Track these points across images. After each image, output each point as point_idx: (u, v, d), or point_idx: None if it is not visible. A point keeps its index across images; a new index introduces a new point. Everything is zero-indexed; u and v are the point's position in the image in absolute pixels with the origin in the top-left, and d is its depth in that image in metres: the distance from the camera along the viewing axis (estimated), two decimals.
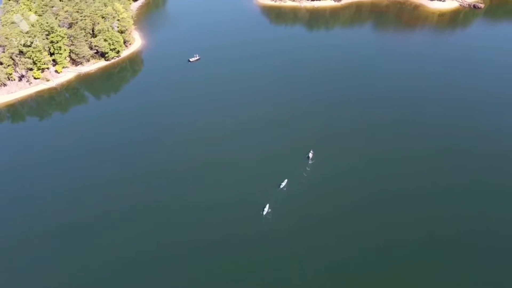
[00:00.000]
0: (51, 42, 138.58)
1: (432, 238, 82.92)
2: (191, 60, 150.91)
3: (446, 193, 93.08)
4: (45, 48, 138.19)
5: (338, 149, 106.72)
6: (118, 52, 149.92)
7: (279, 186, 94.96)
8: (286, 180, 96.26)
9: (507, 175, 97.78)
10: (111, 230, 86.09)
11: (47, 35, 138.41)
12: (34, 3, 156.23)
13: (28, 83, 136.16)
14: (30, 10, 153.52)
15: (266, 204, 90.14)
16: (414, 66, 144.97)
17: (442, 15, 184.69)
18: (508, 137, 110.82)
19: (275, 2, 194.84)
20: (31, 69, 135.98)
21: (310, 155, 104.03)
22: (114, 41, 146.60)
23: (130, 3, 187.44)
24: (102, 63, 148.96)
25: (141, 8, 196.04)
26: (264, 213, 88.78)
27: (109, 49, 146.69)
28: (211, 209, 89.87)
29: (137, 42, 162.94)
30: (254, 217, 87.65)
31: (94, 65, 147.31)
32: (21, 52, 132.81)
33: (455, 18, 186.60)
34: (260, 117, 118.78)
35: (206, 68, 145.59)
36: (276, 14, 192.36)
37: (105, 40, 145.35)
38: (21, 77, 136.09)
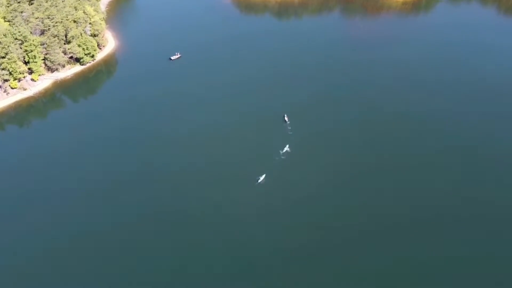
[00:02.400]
0: (25, 51, 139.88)
1: (414, 212, 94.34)
2: (172, 58, 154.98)
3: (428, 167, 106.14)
4: (20, 58, 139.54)
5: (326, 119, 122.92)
6: (92, 56, 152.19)
7: (282, 150, 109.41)
8: (287, 145, 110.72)
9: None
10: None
11: (21, 44, 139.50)
12: (1, 7, 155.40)
13: (5, 93, 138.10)
14: None
15: (263, 174, 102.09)
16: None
17: (406, 3, 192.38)
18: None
19: None
20: (7, 80, 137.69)
21: (286, 118, 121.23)
22: (88, 46, 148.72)
23: (99, 1, 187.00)
24: (77, 68, 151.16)
25: (111, 3, 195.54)
26: (259, 180, 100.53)
27: (83, 54, 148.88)
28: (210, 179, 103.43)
29: (110, 43, 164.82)
30: (249, 186, 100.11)
31: (70, 71, 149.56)
32: None
33: (418, 4, 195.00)
34: (248, 101, 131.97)
35: (188, 65, 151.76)
36: (246, 6, 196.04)
37: (79, 45, 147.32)
38: None
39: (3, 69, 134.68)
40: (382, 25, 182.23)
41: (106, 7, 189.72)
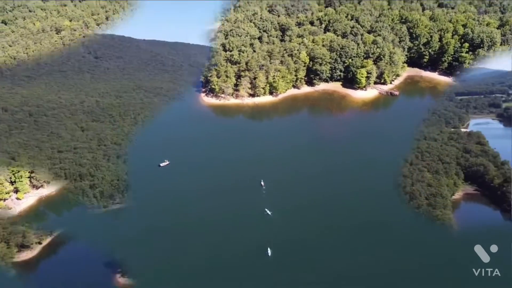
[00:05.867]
0: (12, 171, 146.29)
1: None
2: (161, 165, 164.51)
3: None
4: (6, 179, 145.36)
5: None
6: None
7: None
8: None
9: None
10: None
11: (7, 165, 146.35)
12: None
13: None
14: None
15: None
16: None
17: (366, 104, 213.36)
18: None
19: (219, 101, 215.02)
20: None
21: (262, 183, 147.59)
22: None
23: None
24: (64, 182, 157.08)
25: None
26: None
27: None
28: None
29: None
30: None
31: (55, 187, 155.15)
32: None
33: (376, 104, 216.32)
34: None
35: (178, 170, 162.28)
36: (222, 111, 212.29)
37: None
38: None
39: None
40: (346, 122, 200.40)
41: None
